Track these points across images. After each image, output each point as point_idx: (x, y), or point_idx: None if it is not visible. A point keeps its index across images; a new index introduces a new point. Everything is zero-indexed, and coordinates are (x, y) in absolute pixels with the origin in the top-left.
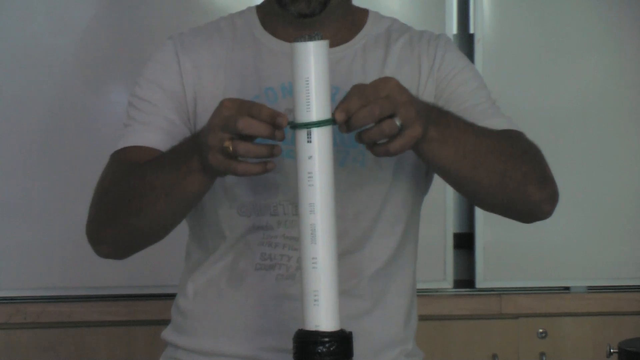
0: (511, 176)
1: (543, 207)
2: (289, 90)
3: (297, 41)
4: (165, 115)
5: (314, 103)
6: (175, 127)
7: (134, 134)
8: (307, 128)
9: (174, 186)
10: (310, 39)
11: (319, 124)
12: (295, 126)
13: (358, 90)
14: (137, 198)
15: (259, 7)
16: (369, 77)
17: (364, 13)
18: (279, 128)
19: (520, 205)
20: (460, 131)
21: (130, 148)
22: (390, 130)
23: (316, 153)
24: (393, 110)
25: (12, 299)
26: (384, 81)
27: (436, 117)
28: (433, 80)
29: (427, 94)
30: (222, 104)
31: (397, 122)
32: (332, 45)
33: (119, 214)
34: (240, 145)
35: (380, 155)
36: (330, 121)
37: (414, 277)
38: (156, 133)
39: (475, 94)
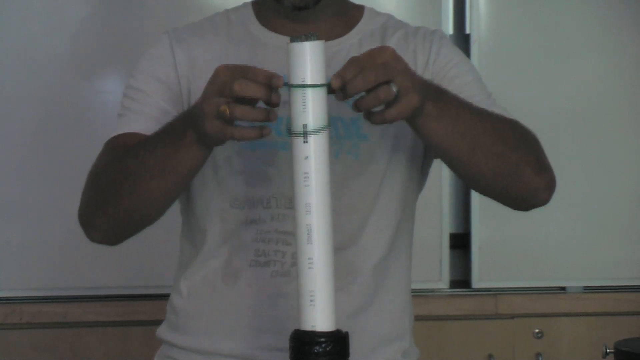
0: (509, 159)
1: (540, 193)
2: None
3: (294, 41)
4: (159, 104)
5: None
6: (169, 116)
7: (128, 123)
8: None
9: (168, 162)
10: (307, 39)
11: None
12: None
13: (354, 59)
14: (129, 178)
15: (254, 3)
16: None
17: (359, 9)
18: (275, 90)
19: (517, 191)
20: (459, 109)
21: (123, 135)
22: (385, 95)
23: (312, 154)
24: (389, 77)
25: (7, 299)
26: (380, 49)
27: (434, 92)
28: (429, 74)
29: None
30: (217, 70)
31: (393, 89)
32: (328, 39)
33: (110, 197)
34: (236, 108)
35: (376, 123)
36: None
37: (408, 273)
38: (150, 121)
39: (471, 87)
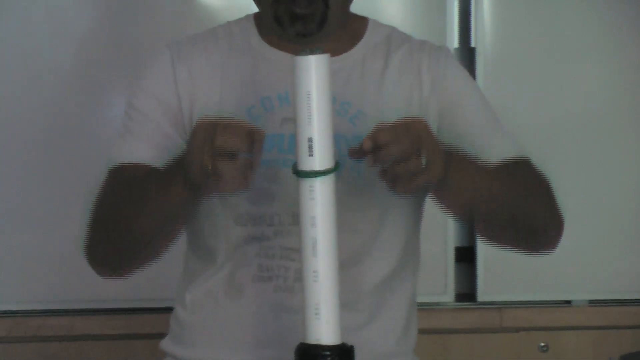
0: (522, 219)
1: (549, 245)
2: (286, 99)
3: (299, 55)
4: (161, 129)
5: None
6: (171, 140)
7: (130, 150)
8: (311, 177)
9: (160, 205)
10: (312, 52)
11: (323, 173)
12: (298, 173)
13: (387, 126)
14: (125, 217)
15: (256, 15)
16: (368, 88)
17: (363, 22)
18: (256, 141)
19: (527, 244)
20: (477, 178)
21: (125, 166)
22: (416, 167)
23: (317, 166)
24: (420, 148)
25: (12, 313)
26: (415, 121)
27: (456, 163)
28: (436, 100)
29: (430, 111)
30: (197, 124)
31: (423, 160)
32: (332, 54)
33: (109, 235)
34: (219, 163)
35: (400, 192)
36: (336, 170)
37: (413, 289)
38: (152, 149)
39: (479, 115)
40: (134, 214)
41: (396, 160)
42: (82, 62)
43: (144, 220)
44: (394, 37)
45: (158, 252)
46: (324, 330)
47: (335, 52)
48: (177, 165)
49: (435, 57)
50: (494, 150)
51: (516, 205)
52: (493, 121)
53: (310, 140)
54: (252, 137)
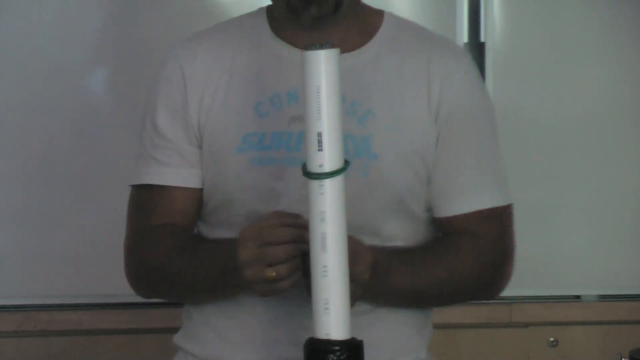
0: (453, 300)
1: (488, 300)
2: (295, 97)
3: (308, 49)
4: (179, 148)
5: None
6: (190, 154)
7: (151, 172)
8: (320, 179)
9: (216, 292)
10: (321, 47)
11: (331, 174)
12: (311, 176)
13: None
14: (174, 287)
15: (269, 7)
16: (379, 88)
17: (379, 15)
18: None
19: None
20: (401, 284)
21: (153, 187)
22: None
23: (327, 161)
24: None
25: (21, 307)
26: (363, 260)
27: (379, 277)
28: (438, 124)
29: (436, 119)
30: (241, 240)
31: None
32: (343, 51)
33: (156, 290)
34: (281, 270)
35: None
36: (344, 170)
37: None
38: (175, 171)
39: (466, 158)
40: (187, 287)
41: None
42: (89, 59)
43: (195, 293)
44: (411, 36)
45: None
46: (334, 325)
47: (348, 47)
48: (231, 274)
49: (450, 68)
50: (466, 203)
51: (447, 301)
52: (482, 167)
53: (319, 135)
54: (299, 229)
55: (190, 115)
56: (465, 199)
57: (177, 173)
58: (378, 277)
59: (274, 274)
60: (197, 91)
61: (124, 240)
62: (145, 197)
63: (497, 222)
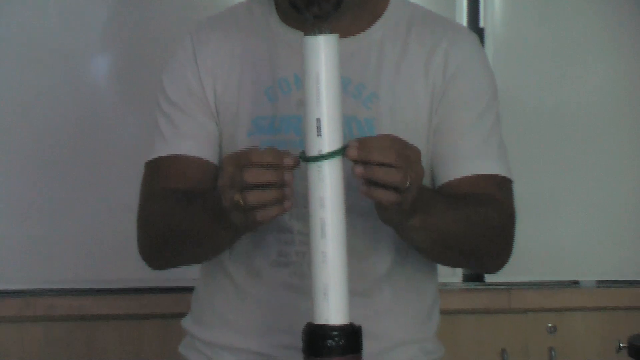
0: (475, 254)
1: (491, 272)
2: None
3: (307, 35)
4: (195, 119)
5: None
6: (206, 128)
7: (165, 144)
8: (319, 158)
9: (211, 238)
10: (320, 32)
11: (331, 155)
12: (308, 160)
13: (387, 146)
14: (177, 243)
15: None
16: (384, 71)
17: None
18: (287, 169)
19: (471, 270)
20: (440, 220)
21: (163, 159)
22: (399, 182)
23: (326, 146)
24: (410, 178)
25: (22, 292)
26: (415, 151)
27: (423, 205)
28: (445, 92)
29: (440, 102)
30: (223, 161)
31: (408, 182)
32: (349, 34)
33: (163, 250)
34: (249, 197)
35: (372, 197)
36: (342, 152)
37: (434, 274)
38: (188, 141)
39: (472, 127)
40: (185, 243)
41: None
42: (94, 47)
43: (194, 249)
44: (416, 17)
45: (205, 261)
46: (333, 311)
47: (352, 31)
48: (221, 212)
49: (456, 48)
50: (470, 165)
51: (472, 248)
52: (485, 136)
53: (318, 120)
54: (282, 164)
55: (207, 97)
56: (473, 162)
57: (192, 144)
58: (426, 198)
59: (241, 201)
60: (209, 76)
61: (137, 215)
62: (157, 169)
63: (504, 189)
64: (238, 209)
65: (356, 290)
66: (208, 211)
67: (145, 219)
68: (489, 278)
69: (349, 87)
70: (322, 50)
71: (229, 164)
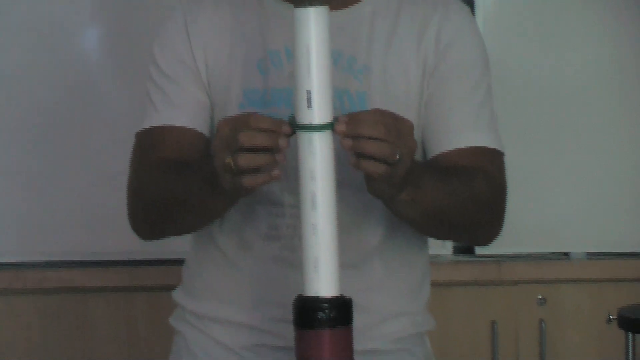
0: (466, 227)
1: (482, 244)
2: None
3: (297, 7)
4: (187, 90)
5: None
6: (197, 99)
7: (157, 114)
8: (309, 131)
9: (202, 205)
10: (311, 4)
11: (321, 127)
12: (298, 127)
13: (379, 119)
14: (169, 211)
15: None
16: (375, 44)
17: None
18: (281, 135)
19: (462, 243)
20: (430, 193)
21: (155, 129)
22: (388, 154)
23: (316, 118)
24: (401, 151)
25: (11, 265)
26: (407, 125)
27: (414, 178)
28: (437, 66)
29: (432, 76)
30: (219, 124)
31: (397, 155)
32: (340, 6)
33: (153, 219)
34: (240, 159)
35: (362, 169)
36: (331, 125)
37: (425, 247)
38: (180, 111)
39: (463, 99)
40: (177, 211)
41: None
42: (86, 18)
43: (186, 217)
44: None
45: (196, 229)
46: (323, 283)
47: (344, 3)
48: (210, 169)
49: (448, 21)
50: (462, 137)
51: (463, 222)
52: (477, 109)
53: (308, 92)
54: (276, 131)
55: (198, 68)
56: (464, 135)
57: (183, 114)
58: (417, 173)
59: (232, 163)
60: (200, 47)
61: (127, 185)
62: (148, 139)
63: (496, 161)
64: (229, 172)
65: (347, 263)
66: (200, 177)
67: (136, 188)
68: (478, 250)
69: (341, 60)
70: (313, 22)
71: (225, 125)
